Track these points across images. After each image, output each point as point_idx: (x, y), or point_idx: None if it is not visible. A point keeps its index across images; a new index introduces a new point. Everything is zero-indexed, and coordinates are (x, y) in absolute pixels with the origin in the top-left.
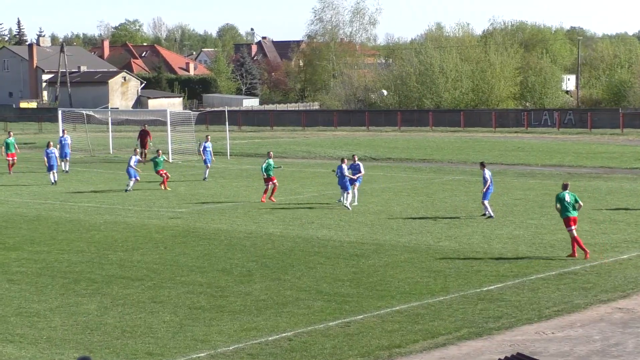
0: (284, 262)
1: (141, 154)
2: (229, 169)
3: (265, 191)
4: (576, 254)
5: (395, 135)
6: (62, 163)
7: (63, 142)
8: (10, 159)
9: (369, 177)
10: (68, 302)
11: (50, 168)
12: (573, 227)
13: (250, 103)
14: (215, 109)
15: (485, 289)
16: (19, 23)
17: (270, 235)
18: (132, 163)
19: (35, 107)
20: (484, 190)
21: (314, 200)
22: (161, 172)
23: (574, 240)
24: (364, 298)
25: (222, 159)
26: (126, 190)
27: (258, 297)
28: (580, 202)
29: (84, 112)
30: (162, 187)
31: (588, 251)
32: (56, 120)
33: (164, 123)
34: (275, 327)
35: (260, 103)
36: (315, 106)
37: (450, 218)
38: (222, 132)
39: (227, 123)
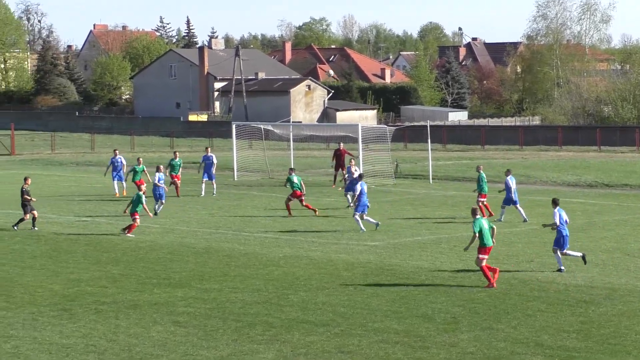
0: (497, 308)
1: (334, 177)
2: (431, 195)
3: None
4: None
5: (633, 157)
6: (203, 185)
7: (206, 161)
8: (177, 181)
9: (600, 208)
10: (241, 350)
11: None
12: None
13: (457, 117)
14: (416, 123)
15: None
16: (188, 23)
17: (480, 275)
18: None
19: (206, 120)
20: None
21: (533, 234)
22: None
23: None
24: (593, 353)
25: (423, 183)
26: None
27: (465, 350)
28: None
29: (261, 126)
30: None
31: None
32: (229, 136)
33: (355, 140)
34: None
35: (469, 117)
36: (536, 121)
37: None
38: (423, 152)
39: (429, 140)
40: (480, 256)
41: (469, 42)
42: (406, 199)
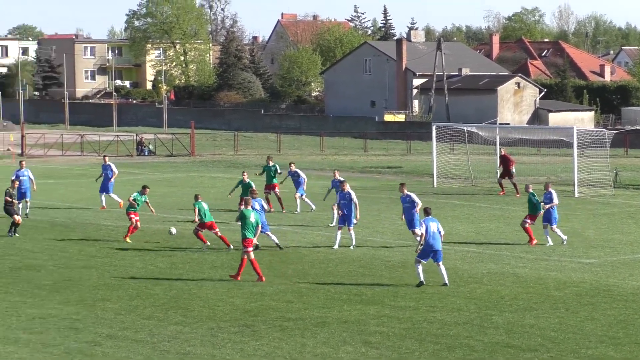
0: None
1: (514, 185)
2: None
3: None
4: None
5: None
6: (298, 201)
7: (294, 177)
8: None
9: None
10: None
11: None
12: (250, 249)
13: None
14: (638, 127)
15: None
16: (385, 12)
17: None
18: None
19: (403, 120)
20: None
21: None
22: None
23: (252, 263)
24: None
25: None
26: None
27: None
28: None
29: (464, 127)
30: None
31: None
32: (428, 138)
33: (569, 144)
34: None
35: None
36: None
37: None
38: None
39: None
40: (244, 249)
41: None
42: (627, 211)
